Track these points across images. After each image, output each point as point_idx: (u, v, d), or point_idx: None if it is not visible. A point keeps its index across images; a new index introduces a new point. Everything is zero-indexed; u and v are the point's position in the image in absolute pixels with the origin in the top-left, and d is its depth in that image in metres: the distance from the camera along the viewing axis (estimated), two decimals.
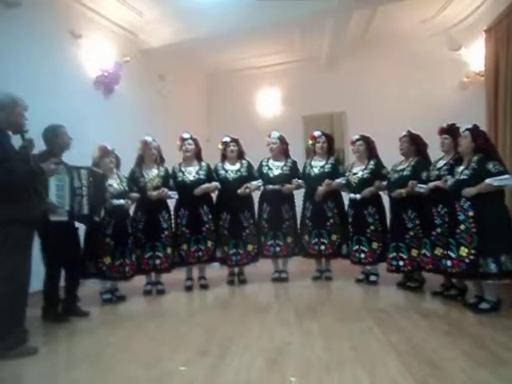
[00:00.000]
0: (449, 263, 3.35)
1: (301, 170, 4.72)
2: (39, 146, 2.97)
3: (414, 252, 3.94)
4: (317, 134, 4.71)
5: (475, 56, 6.03)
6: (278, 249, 4.52)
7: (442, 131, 3.78)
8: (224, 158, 4.66)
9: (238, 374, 2.21)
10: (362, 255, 4.29)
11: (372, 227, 4.26)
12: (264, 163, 4.72)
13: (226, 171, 4.54)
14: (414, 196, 3.87)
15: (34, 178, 2.71)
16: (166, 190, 4.20)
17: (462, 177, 3.32)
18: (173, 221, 4.43)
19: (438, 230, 3.63)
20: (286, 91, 7.85)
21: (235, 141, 4.63)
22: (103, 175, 3.73)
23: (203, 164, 4.50)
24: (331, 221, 4.50)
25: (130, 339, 2.92)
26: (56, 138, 3.36)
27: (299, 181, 4.59)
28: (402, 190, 3.93)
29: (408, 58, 6.82)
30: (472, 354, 2.36)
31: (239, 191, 4.41)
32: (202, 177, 4.39)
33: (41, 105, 3.69)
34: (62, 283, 3.51)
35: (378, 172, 4.33)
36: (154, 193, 4.16)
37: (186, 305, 4.08)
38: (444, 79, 6.60)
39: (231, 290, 4.45)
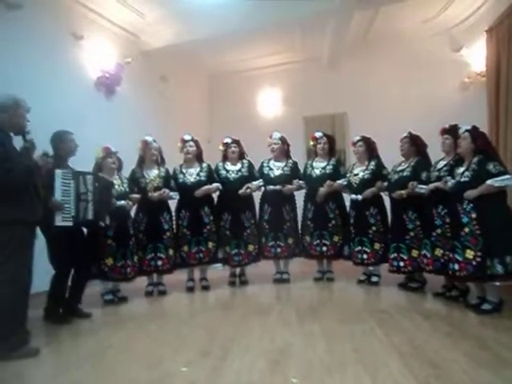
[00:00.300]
0: (456, 267, 3.32)
1: (301, 171, 4.73)
2: (40, 148, 2.98)
3: (415, 253, 3.94)
4: (318, 134, 4.71)
5: (476, 56, 6.03)
6: (278, 250, 4.52)
7: (444, 132, 3.78)
8: (225, 159, 4.66)
9: (240, 375, 2.21)
10: (365, 256, 4.29)
11: (374, 228, 4.26)
12: (265, 164, 4.72)
13: (227, 171, 4.54)
14: (414, 197, 3.87)
15: (32, 177, 2.71)
16: (167, 190, 4.20)
17: (463, 179, 3.31)
18: (174, 222, 4.43)
19: (438, 230, 3.64)
20: (287, 92, 7.85)
21: (236, 142, 4.63)
22: (110, 182, 3.75)
23: (204, 165, 4.50)
24: (333, 222, 4.50)
25: (131, 340, 2.93)
26: (61, 144, 3.40)
27: (300, 182, 4.59)
28: (403, 191, 3.93)
29: (409, 58, 6.81)
30: (474, 355, 2.35)
31: (240, 191, 4.41)
32: (202, 178, 4.39)
33: (42, 106, 3.71)
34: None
35: (378, 173, 4.32)
36: (155, 194, 4.16)
37: (187, 306, 4.08)
38: (445, 80, 6.60)
39: (233, 291, 4.45)
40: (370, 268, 4.40)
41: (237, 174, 4.52)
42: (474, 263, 3.18)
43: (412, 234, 3.97)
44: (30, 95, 2.88)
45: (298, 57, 7.62)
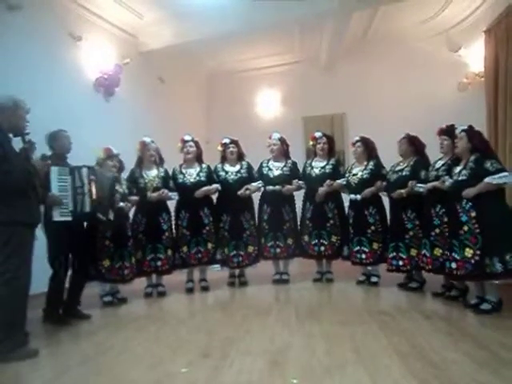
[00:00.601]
0: (454, 265, 3.33)
1: (301, 171, 4.73)
2: (40, 149, 2.98)
3: (413, 252, 3.95)
4: (318, 135, 4.72)
5: (475, 57, 6.05)
6: (278, 250, 4.52)
7: (441, 132, 3.79)
8: (224, 159, 4.65)
9: (239, 376, 2.21)
10: (363, 256, 4.29)
11: (373, 227, 4.27)
12: (264, 164, 4.72)
13: (226, 173, 4.54)
14: (413, 196, 3.88)
15: (31, 178, 2.71)
16: (166, 191, 4.20)
17: (461, 177, 3.32)
18: (173, 222, 4.43)
19: (437, 230, 3.66)
20: (285, 92, 7.86)
21: (235, 142, 4.63)
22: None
23: (204, 166, 4.50)
24: (331, 222, 4.50)
25: (131, 341, 2.92)
26: (56, 142, 3.41)
27: (299, 182, 4.59)
28: (402, 191, 3.94)
29: (408, 58, 6.84)
30: (474, 354, 2.35)
31: (239, 192, 4.41)
32: (202, 179, 4.38)
33: (41, 107, 3.70)
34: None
35: (377, 173, 4.32)
36: (154, 194, 4.16)
37: (186, 307, 4.08)
38: (444, 80, 6.61)
39: (232, 291, 4.45)
40: (369, 268, 4.40)
41: (236, 175, 4.52)
42: (472, 261, 3.19)
43: (411, 233, 3.98)
44: (28, 96, 2.88)
45: (297, 57, 7.64)
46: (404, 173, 4.04)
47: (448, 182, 3.46)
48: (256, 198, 4.71)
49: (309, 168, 4.67)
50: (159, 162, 4.40)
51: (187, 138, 4.47)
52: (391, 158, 4.34)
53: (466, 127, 3.43)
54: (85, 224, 3.67)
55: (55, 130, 3.45)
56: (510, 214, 3.26)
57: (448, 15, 6.10)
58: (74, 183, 3.26)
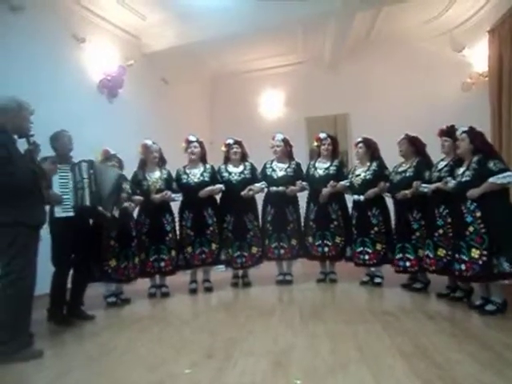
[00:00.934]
0: (463, 267, 3.29)
1: (304, 172, 4.72)
2: (44, 151, 2.99)
3: (421, 252, 3.93)
4: (322, 135, 4.71)
5: (479, 57, 6.03)
6: (282, 251, 4.51)
7: (442, 133, 3.79)
8: (227, 160, 4.65)
9: (243, 377, 2.21)
10: (367, 257, 4.28)
11: (376, 228, 4.26)
12: (268, 165, 4.72)
13: (230, 173, 4.54)
14: (418, 196, 3.87)
15: (36, 180, 2.72)
16: (169, 192, 4.20)
17: (465, 178, 3.31)
18: (176, 223, 4.43)
19: (440, 231, 3.64)
20: (289, 93, 7.86)
21: (238, 143, 4.63)
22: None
23: (207, 166, 4.50)
24: (335, 223, 4.49)
25: (134, 342, 2.92)
26: (57, 142, 3.41)
27: (303, 183, 4.59)
28: (407, 191, 3.93)
29: (411, 59, 6.82)
30: (478, 355, 2.34)
31: (242, 193, 4.41)
32: (206, 179, 4.39)
33: (44, 109, 3.69)
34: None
35: (380, 173, 4.31)
36: (157, 196, 4.17)
37: (190, 307, 4.09)
38: (447, 80, 6.60)
39: (235, 292, 4.45)
40: (372, 269, 4.39)
41: (239, 176, 4.52)
42: (480, 262, 3.16)
43: (418, 233, 3.97)
44: (32, 98, 2.89)
45: (300, 58, 7.64)
46: (407, 174, 4.03)
47: (451, 183, 3.45)
48: (260, 199, 4.71)
49: (312, 169, 4.66)
50: (161, 163, 4.40)
51: (192, 138, 4.48)
52: (395, 158, 4.32)
53: (466, 128, 3.42)
54: (91, 222, 3.69)
55: (56, 131, 3.46)
56: None
57: (452, 15, 6.09)
58: (74, 178, 3.29)
